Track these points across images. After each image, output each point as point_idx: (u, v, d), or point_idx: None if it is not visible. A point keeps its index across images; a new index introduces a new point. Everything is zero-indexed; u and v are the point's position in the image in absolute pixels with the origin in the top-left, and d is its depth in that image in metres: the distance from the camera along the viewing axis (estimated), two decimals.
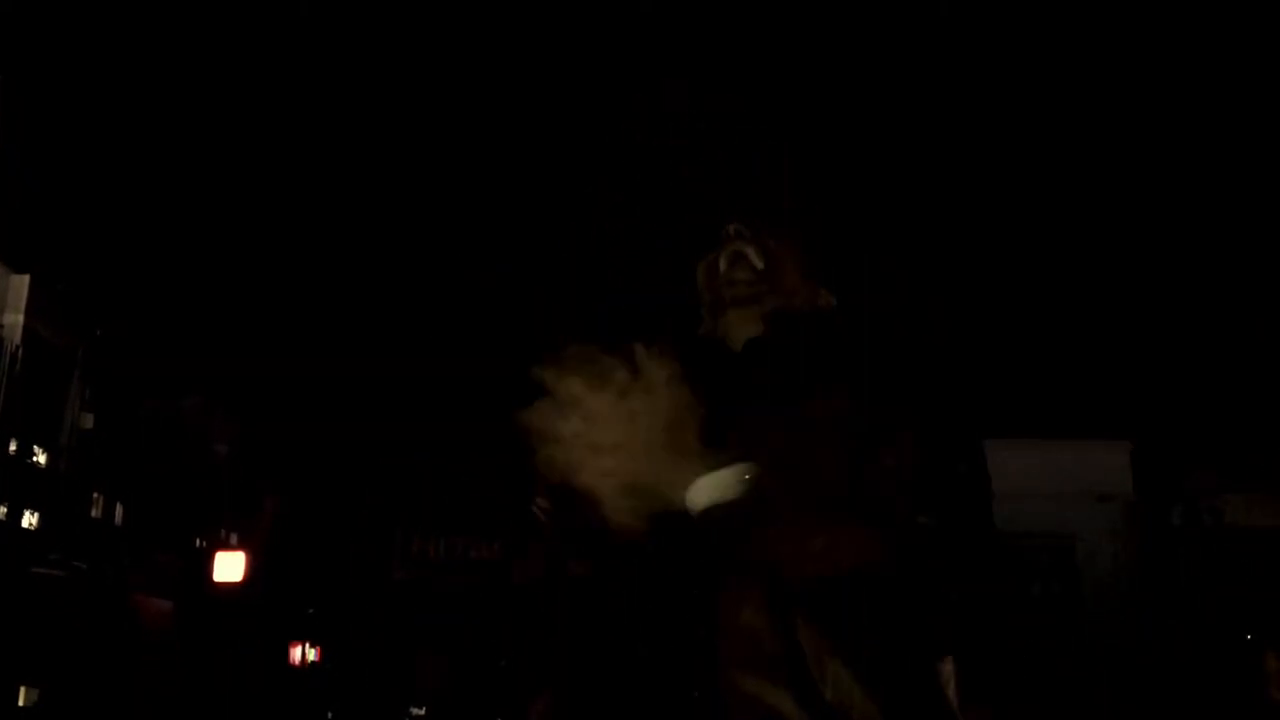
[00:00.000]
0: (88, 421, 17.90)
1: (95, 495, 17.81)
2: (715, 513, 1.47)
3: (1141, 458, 13.18)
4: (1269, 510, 12.92)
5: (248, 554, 19.62)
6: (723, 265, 1.90)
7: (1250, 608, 11.99)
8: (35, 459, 16.65)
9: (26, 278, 17.11)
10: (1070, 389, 15.06)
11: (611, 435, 1.58)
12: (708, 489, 1.48)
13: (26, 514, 16.14)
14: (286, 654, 20.89)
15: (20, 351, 16.64)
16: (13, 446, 16.33)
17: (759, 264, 1.89)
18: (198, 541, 19.59)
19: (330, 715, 19.80)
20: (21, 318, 16.75)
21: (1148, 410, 14.13)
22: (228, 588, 18.65)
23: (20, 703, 14.26)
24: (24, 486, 15.80)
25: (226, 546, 19.70)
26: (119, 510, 18.28)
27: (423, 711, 21.18)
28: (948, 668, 1.64)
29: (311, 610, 20.88)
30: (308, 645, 21.46)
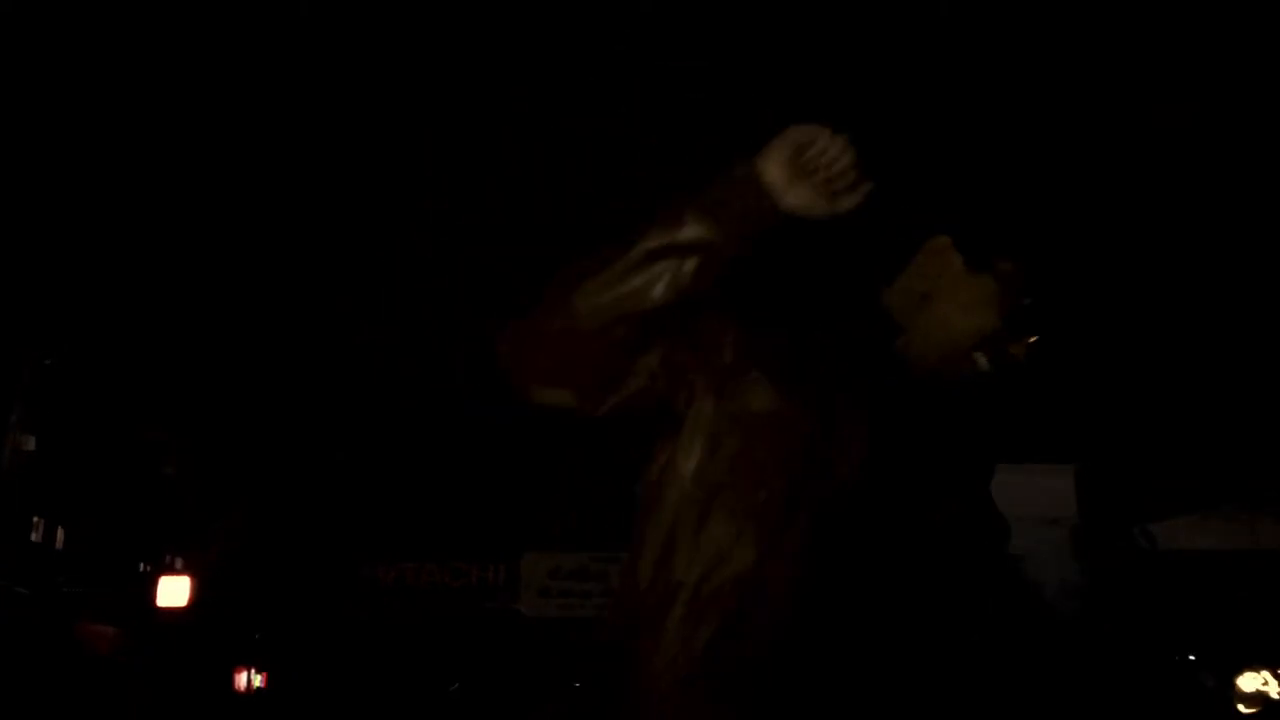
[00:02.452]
0: (29, 443, 17.56)
1: (36, 519, 17.46)
2: None
3: (1087, 481, 13.44)
4: (1209, 533, 13.26)
5: (193, 578, 19.32)
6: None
7: (1189, 630, 12.29)
8: None
9: None
10: (1018, 413, 15.31)
11: None
12: None
13: None
14: (231, 679, 20.56)
15: None
16: None
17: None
18: (142, 566, 19.27)
19: None
20: None
21: (1093, 434, 14.43)
22: (173, 613, 18.33)
23: None
24: None
25: (171, 571, 19.39)
26: (60, 534, 17.93)
27: None
28: None
29: (258, 635, 20.59)
30: (253, 671, 21.14)
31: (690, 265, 1.64)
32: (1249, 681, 11.04)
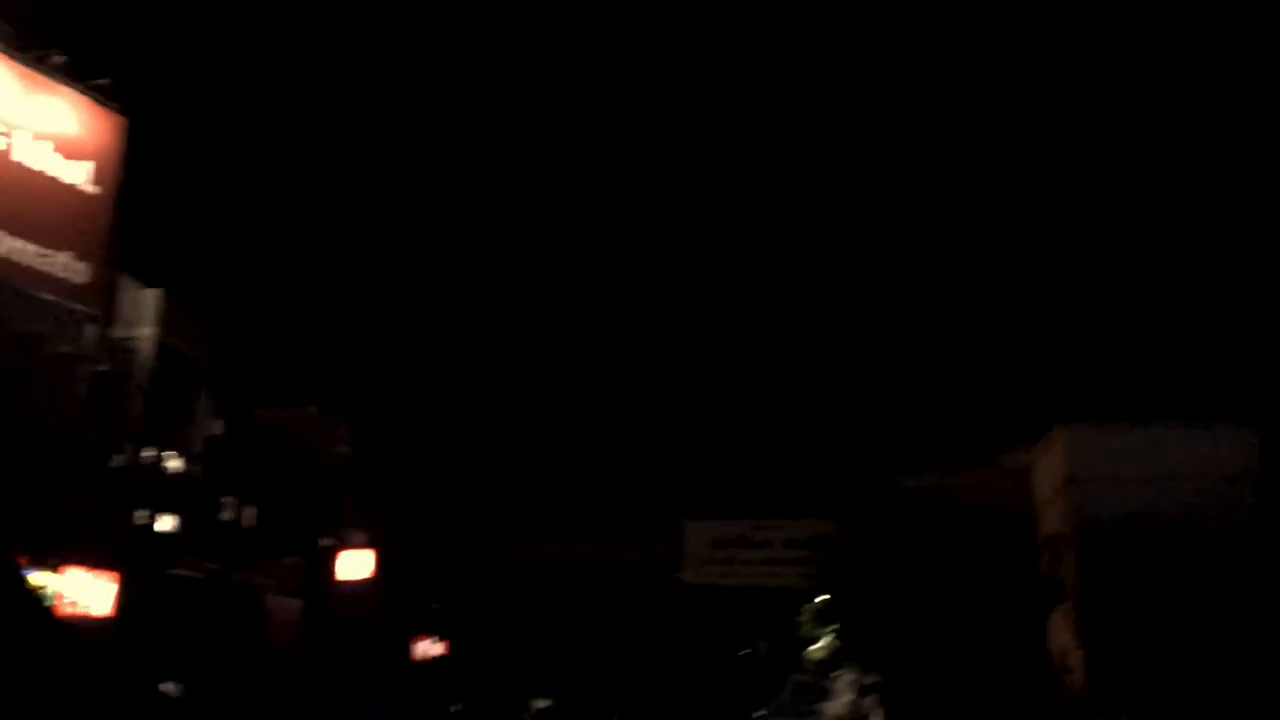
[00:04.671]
0: (217, 428, 18.66)
1: (226, 499, 18.53)
2: None
3: (1270, 440, 12.59)
4: None
5: (374, 552, 20.16)
6: None
7: None
8: (170, 465, 17.41)
9: (158, 292, 17.89)
10: (1196, 373, 14.44)
11: None
12: None
13: (164, 518, 16.92)
14: (410, 649, 21.41)
15: (153, 363, 17.41)
16: (149, 453, 17.11)
17: None
18: (323, 541, 20.21)
19: (456, 709, 20.23)
20: (154, 330, 17.54)
21: (1274, 392, 13.48)
22: (354, 585, 19.18)
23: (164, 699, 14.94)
24: (160, 492, 16.55)
25: (352, 545, 20.27)
26: (249, 513, 19.00)
27: (545, 705, 21.48)
28: None
29: (435, 605, 21.34)
30: (432, 640, 21.94)
31: None
32: None
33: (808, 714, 17.59)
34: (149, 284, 18.03)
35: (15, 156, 15.75)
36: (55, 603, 12.04)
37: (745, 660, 20.82)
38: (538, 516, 21.48)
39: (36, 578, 11.58)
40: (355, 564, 20.07)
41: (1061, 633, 13.76)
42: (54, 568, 11.99)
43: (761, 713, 18.17)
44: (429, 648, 21.88)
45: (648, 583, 20.76)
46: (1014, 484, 14.87)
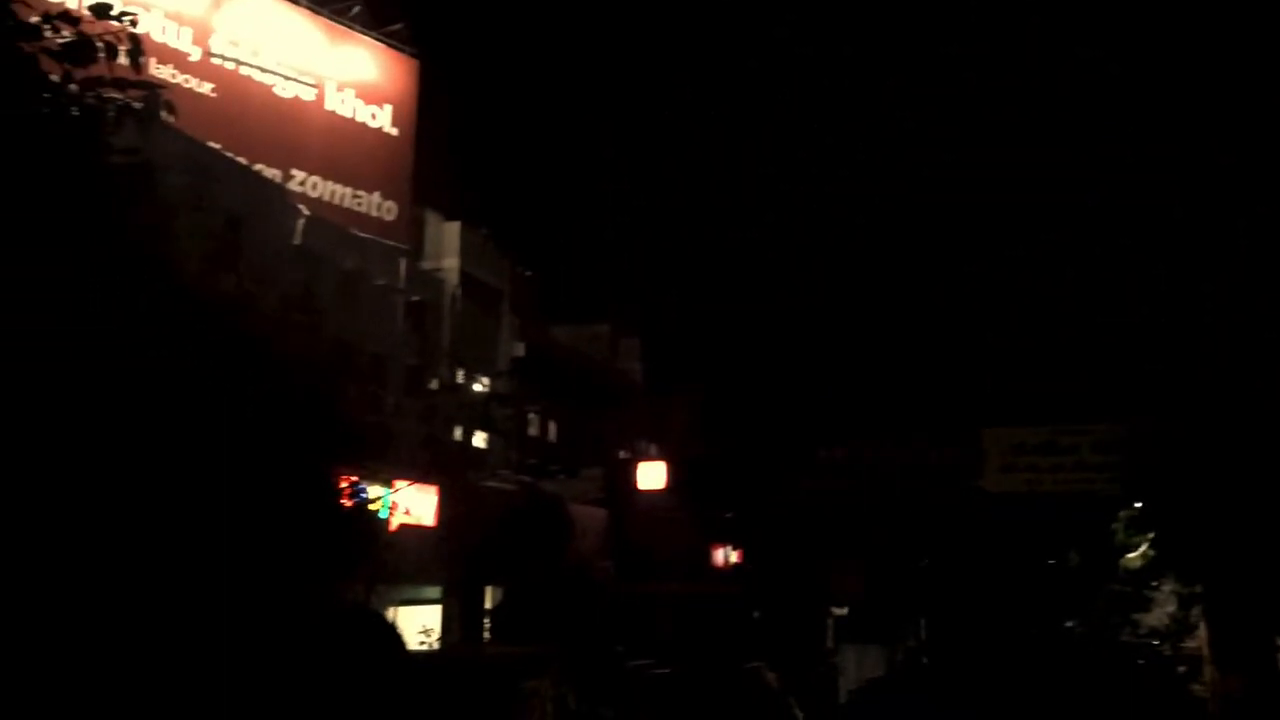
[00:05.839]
0: (519, 350, 19.78)
1: (531, 415, 19.68)
2: None
3: None
4: None
5: (668, 463, 20.81)
6: None
7: None
8: (479, 385, 18.61)
9: (458, 225, 19.03)
10: None
11: None
12: None
13: (477, 434, 18.17)
14: (709, 556, 22.03)
15: (458, 291, 18.57)
16: (460, 376, 18.34)
17: None
18: (620, 453, 21.09)
19: (756, 614, 20.70)
20: (456, 261, 18.72)
21: None
22: (650, 495, 19.90)
23: (487, 602, 16.21)
24: (473, 410, 17.80)
25: (647, 457, 21.02)
26: (552, 427, 20.10)
27: (843, 612, 21.61)
28: None
29: (730, 515, 21.79)
30: (729, 549, 22.49)
31: None
32: None
33: (1123, 625, 16.74)
34: (448, 218, 19.17)
35: (327, 105, 17.07)
36: (390, 513, 13.16)
37: (1053, 570, 20.00)
38: (834, 423, 21.40)
39: (372, 490, 12.69)
40: (651, 474, 20.80)
41: None
42: (386, 482, 13.08)
43: (1073, 623, 17.48)
44: (726, 555, 22.45)
45: (948, 490, 20.29)
46: None
